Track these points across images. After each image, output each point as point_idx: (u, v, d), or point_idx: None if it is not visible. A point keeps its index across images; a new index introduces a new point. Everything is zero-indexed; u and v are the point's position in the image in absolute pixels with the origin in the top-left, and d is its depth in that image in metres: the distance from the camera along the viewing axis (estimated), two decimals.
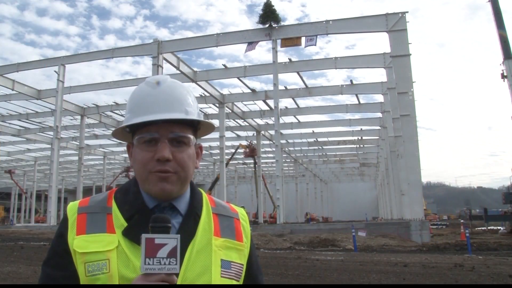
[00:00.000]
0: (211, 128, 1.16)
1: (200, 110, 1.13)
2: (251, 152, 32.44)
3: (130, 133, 1.09)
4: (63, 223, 1.04)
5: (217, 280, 1.00)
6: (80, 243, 0.98)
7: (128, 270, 0.94)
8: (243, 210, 1.22)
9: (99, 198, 1.08)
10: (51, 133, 31.82)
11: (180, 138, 1.04)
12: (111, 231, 1.00)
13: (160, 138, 1.02)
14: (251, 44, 21.05)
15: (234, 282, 1.05)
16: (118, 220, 1.01)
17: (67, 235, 1.01)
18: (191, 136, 1.07)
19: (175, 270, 0.84)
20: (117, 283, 0.93)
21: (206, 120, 1.11)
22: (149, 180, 1.02)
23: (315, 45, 20.00)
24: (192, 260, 0.99)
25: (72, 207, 1.06)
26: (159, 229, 0.87)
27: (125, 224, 1.00)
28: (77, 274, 0.96)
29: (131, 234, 0.98)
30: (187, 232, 1.02)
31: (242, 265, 1.09)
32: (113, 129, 1.19)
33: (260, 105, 29.73)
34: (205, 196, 1.17)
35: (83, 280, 0.95)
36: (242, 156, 37.07)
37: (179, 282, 0.94)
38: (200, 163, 1.20)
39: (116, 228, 1.00)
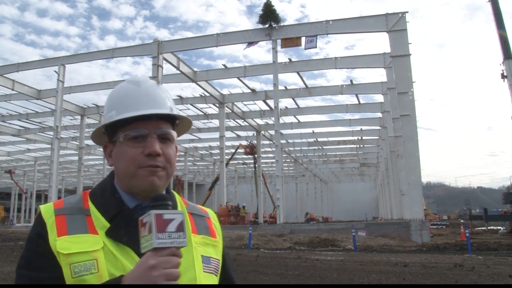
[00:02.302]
0: (188, 126, 1.18)
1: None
2: (251, 150, 32.42)
3: (105, 133, 1.10)
4: (39, 225, 0.98)
5: (200, 275, 1.03)
6: (63, 245, 0.94)
7: (117, 270, 0.94)
8: (211, 210, 1.26)
9: (73, 200, 1.05)
10: (51, 133, 31.82)
11: (167, 134, 1.06)
12: (93, 232, 0.97)
13: (149, 134, 1.03)
14: (251, 44, 21.07)
15: (214, 277, 1.08)
16: (100, 221, 1.00)
17: (48, 236, 0.95)
18: (175, 133, 1.10)
19: (184, 243, 0.87)
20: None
21: (186, 117, 1.15)
22: (138, 175, 1.02)
23: (316, 47, 20.01)
24: None
25: (48, 208, 1.01)
26: (161, 207, 0.89)
27: (108, 225, 0.99)
28: (62, 276, 0.92)
29: (116, 235, 0.98)
30: None
31: (219, 260, 1.13)
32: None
33: (260, 105, 29.76)
34: (178, 196, 1.20)
35: (68, 282, 0.92)
36: (242, 155, 37.13)
37: None
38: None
39: (98, 229, 0.98)
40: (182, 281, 0.96)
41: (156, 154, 1.02)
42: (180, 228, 0.87)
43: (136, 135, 1.03)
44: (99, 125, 1.09)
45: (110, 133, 1.08)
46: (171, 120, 1.09)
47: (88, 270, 0.92)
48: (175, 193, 1.19)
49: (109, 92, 1.15)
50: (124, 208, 1.03)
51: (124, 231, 0.98)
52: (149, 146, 1.02)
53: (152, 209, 0.87)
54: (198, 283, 1.01)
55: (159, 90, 1.10)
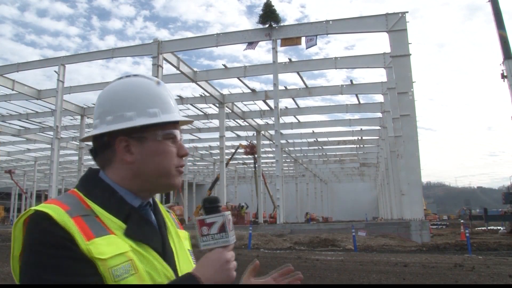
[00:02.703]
0: None
1: None
2: (251, 150, 32.42)
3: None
4: (57, 228, 0.88)
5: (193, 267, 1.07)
6: (98, 249, 0.89)
7: (151, 268, 0.95)
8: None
9: (73, 201, 0.97)
10: (51, 133, 31.81)
11: (181, 137, 1.13)
12: (112, 233, 0.94)
13: (179, 136, 1.10)
14: (251, 44, 21.05)
15: None
16: (113, 222, 0.96)
17: (76, 241, 0.87)
18: None
19: (227, 242, 0.98)
20: (148, 281, 0.93)
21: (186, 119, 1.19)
22: (173, 174, 1.06)
23: (316, 44, 20.00)
24: (178, 252, 1.08)
25: (56, 210, 0.91)
26: (212, 210, 1.00)
27: (123, 226, 0.97)
28: (102, 282, 0.88)
29: (135, 235, 0.97)
30: (163, 226, 1.10)
31: (192, 251, 1.20)
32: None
33: (260, 105, 29.75)
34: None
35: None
36: (242, 155, 37.10)
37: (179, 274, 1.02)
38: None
39: (114, 230, 0.95)
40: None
41: (186, 156, 1.11)
42: (222, 229, 0.98)
43: (174, 136, 1.08)
44: (139, 120, 1.03)
45: (131, 128, 1.03)
46: None
47: (127, 271, 0.90)
48: None
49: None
50: (132, 207, 1.03)
51: (140, 230, 0.99)
52: (182, 148, 1.09)
53: (209, 211, 0.99)
54: None
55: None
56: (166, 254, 1.02)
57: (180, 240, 1.13)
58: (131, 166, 1.03)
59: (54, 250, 0.86)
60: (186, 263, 1.08)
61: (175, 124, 1.09)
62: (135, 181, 1.04)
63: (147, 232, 1.01)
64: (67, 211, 0.92)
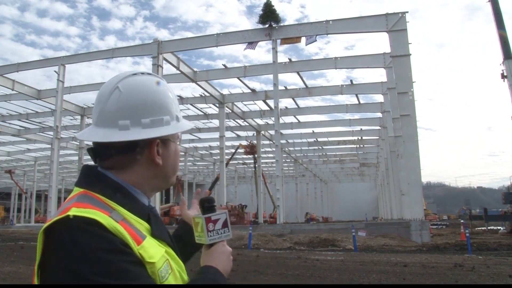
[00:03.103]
0: None
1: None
2: (251, 149, 32.41)
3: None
4: (112, 235, 0.87)
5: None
6: (147, 253, 0.92)
7: (176, 265, 1.04)
8: None
9: (103, 206, 0.94)
10: (51, 133, 31.80)
11: None
12: (146, 235, 0.98)
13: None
14: (251, 44, 21.05)
15: None
16: (140, 223, 0.99)
17: (131, 245, 0.89)
18: None
19: (229, 236, 1.10)
20: (178, 278, 1.01)
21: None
22: (174, 173, 1.15)
23: (316, 40, 19.96)
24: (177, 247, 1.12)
25: (102, 216, 0.89)
26: (211, 208, 1.11)
27: (148, 227, 1.01)
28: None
29: (159, 234, 1.03)
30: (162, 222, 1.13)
31: None
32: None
33: (260, 105, 29.74)
34: None
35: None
36: (242, 155, 37.09)
37: (187, 274, 1.08)
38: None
39: (144, 231, 0.98)
40: (185, 279, 1.05)
41: None
42: (225, 224, 1.10)
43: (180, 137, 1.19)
44: (174, 125, 1.10)
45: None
46: None
47: (167, 272, 0.96)
48: None
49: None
50: (147, 207, 1.07)
51: (159, 229, 1.04)
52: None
53: (209, 210, 1.10)
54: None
55: None
56: (175, 248, 1.08)
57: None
58: (156, 168, 1.07)
59: (113, 255, 0.84)
60: (182, 259, 1.13)
61: None
62: (152, 181, 1.08)
63: (162, 230, 1.07)
64: (110, 215, 0.91)
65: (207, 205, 1.11)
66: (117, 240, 0.87)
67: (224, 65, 24.88)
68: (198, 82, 24.89)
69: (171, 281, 0.96)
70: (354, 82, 26.90)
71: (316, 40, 19.94)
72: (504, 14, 17.83)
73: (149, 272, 0.90)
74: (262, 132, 35.03)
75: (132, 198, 1.02)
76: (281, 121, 26.28)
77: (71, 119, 32.72)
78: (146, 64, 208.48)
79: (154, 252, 0.94)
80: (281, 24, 20.86)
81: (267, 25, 20.68)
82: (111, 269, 0.83)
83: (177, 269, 1.02)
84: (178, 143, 1.15)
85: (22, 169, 52.53)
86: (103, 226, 0.86)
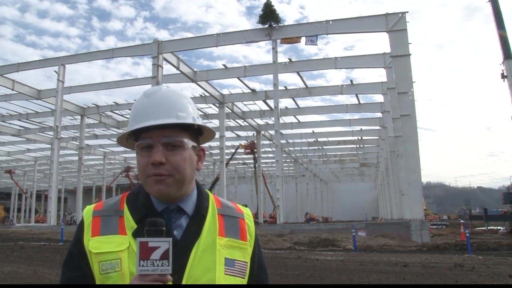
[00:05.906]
0: (211, 132, 1.20)
1: (199, 116, 1.17)
2: (251, 147, 32.40)
3: (135, 141, 1.13)
4: (80, 226, 1.12)
5: (221, 277, 1.06)
6: (94, 244, 1.06)
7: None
8: (248, 210, 1.27)
9: (112, 202, 1.15)
10: (51, 133, 31.83)
11: (174, 142, 1.08)
12: (122, 233, 1.07)
13: (153, 143, 1.07)
14: (251, 42, 21.11)
15: (239, 279, 1.10)
16: (129, 222, 1.08)
17: (83, 237, 1.09)
18: (185, 140, 1.10)
19: (168, 271, 0.89)
20: (128, 280, 1.00)
21: (202, 124, 1.15)
22: (147, 183, 1.08)
23: (316, 44, 19.99)
24: (197, 259, 1.05)
25: (88, 210, 1.14)
26: (154, 233, 0.92)
27: (135, 226, 1.06)
28: (92, 273, 1.05)
29: (140, 236, 1.00)
30: (193, 232, 1.09)
31: (246, 263, 1.14)
32: (114, 130, 1.25)
33: (260, 105, 29.76)
34: (211, 197, 1.21)
35: (97, 278, 1.04)
36: (243, 155, 37.09)
37: (184, 280, 1.01)
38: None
39: (127, 230, 1.07)
40: (200, 281, 1.02)
41: (158, 163, 1.05)
42: (165, 256, 0.89)
43: (144, 145, 1.09)
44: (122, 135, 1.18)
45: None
46: (184, 126, 1.11)
47: (113, 268, 1.02)
48: (209, 193, 1.22)
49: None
50: (152, 210, 1.09)
51: (143, 232, 1.01)
52: (152, 155, 1.06)
53: (152, 234, 0.91)
54: (217, 283, 1.05)
55: (170, 98, 1.12)
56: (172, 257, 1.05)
57: (212, 248, 1.08)
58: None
59: (70, 245, 1.13)
60: (204, 270, 1.04)
61: (149, 132, 1.08)
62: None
63: (152, 234, 0.98)
64: (96, 210, 1.13)
65: (150, 229, 0.92)
66: (78, 231, 1.12)
67: (224, 65, 24.89)
68: (198, 82, 24.90)
69: (114, 278, 1.01)
70: (354, 82, 26.92)
71: (316, 44, 19.96)
72: (504, 15, 17.85)
73: (94, 260, 1.05)
74: (262, 132, 35.04)
75: (144, 200, 1.12)
76: (281, 121, 26.29)
77: (71, 119, 32.71)
78: (146, 64, 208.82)
79: (106, 246, 1.05)
80: (281, 24, 20.87)
81: (267, 25, 20.69)
82: (69, 249, 1.12)
83: (131, 272, 0.99)
84: (144, 152, 1.09)
85: (22, 169, 52.55)
86: (82, 217, 1.14)
